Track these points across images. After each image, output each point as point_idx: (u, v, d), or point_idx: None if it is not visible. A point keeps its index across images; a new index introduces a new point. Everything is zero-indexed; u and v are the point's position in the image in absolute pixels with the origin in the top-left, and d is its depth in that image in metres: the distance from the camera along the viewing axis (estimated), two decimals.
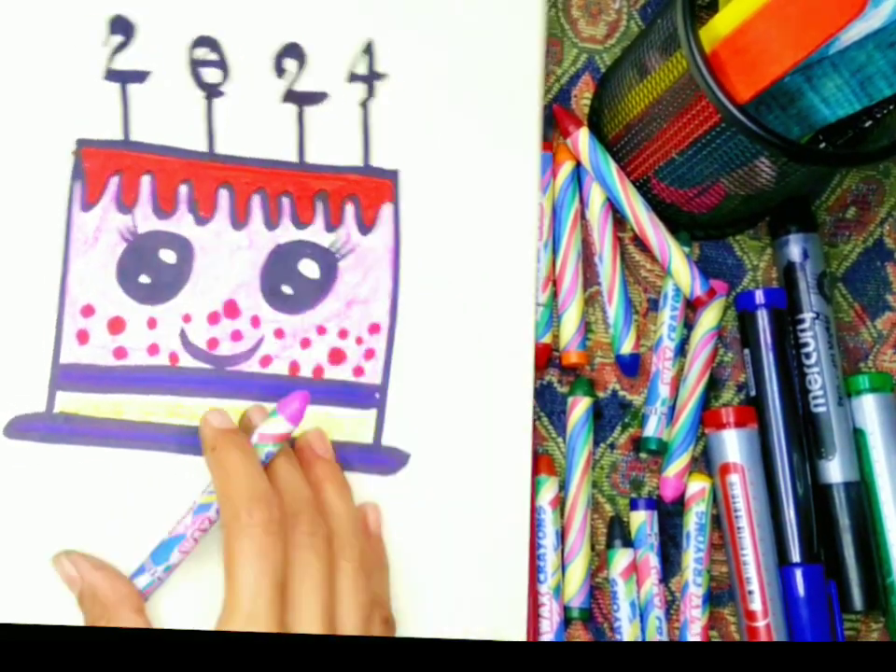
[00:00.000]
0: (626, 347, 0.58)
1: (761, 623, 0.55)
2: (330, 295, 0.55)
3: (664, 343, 0.58)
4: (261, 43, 0.56)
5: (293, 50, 0.56)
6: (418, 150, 0.56)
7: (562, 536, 0.56)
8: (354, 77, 0.56)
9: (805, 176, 0.53)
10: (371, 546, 0.52)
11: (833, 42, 0.50)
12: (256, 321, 0.55)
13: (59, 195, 0.54)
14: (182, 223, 0.55)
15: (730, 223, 0.60)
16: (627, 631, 0.56)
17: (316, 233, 0.55)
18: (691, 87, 0.50)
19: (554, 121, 0.59)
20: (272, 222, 0.55)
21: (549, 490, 0.56)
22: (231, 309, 0.54)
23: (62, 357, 0.53)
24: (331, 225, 0.55)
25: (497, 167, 0.57)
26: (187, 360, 0.54)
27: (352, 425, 0.54)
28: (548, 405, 0.58)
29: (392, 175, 0.56)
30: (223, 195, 0.55)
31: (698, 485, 0.57)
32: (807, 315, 0.58)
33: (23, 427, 0.53)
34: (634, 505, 0.57)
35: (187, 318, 0.54)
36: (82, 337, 0.53)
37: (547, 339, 0.57)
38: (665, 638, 0.56)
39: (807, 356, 0.58)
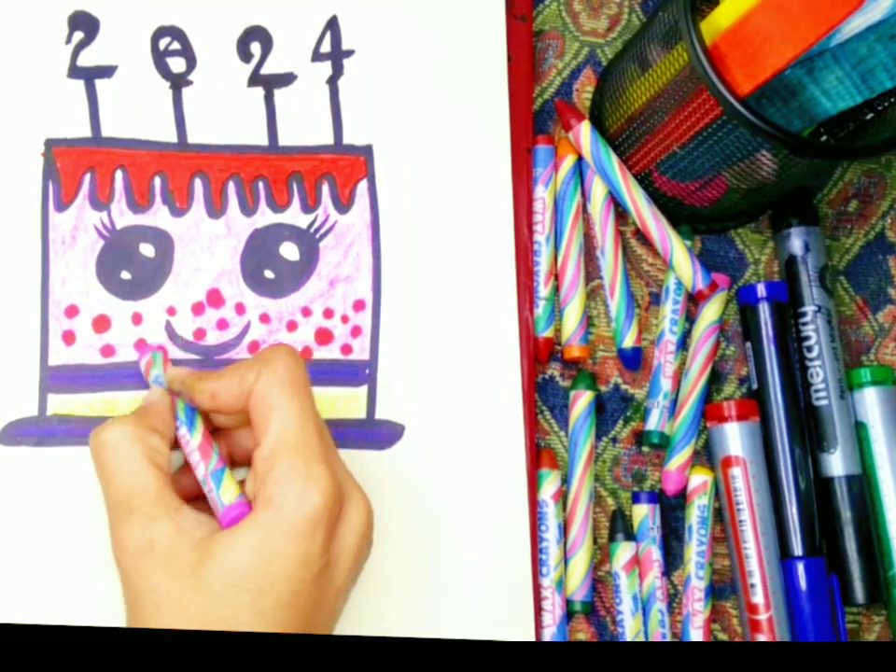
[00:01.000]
0: (628, 341, 0.58)
1: (763, 616, 0.55)
2: (313, 276, 0.55)
3: (665, 336, 0.58)
4: (225, 28, 0.56)
5: (257, 33, 0.56)
6: (390, 125, 0.56)
7: (564, 529, 0.56)
8: (320, 56, 0.56)
9: (806, 169, 0.53)
10: None
11: (833, 34, 0.50)
12: (240, 308, 0.55)
13: (32, 197, 0.54)
14: (159, 216, 0.55)
15: (731, 216, 0.60)
16: (630, 624, 0.56)
17: (294, 215, 0.55)
18: (692, 80, 0.50)
19: (556, 115, 0.59)
20: (248, 208, 0.55)
21: (551, 484, 0.56)
22: (215, 298, 0.54)
23: (49, 359, 0.53)
24: (308, 206, 0.55)
25: (468, 137, 0.57)
26: (175, 353, 0.54)
27: (344, 402, 0.54)
28: (550, 399, 0.58)
29: (365, 152, 0.56)
30: (198, 184, 0.55)
31: (700, 479, 0.57)
32: (809, 309, 0.58)
33: (18, 433, 0.52)
34: (636, 498, 0.57)
35: (171, 311, 0.54)
36: (68, 338, 0.53)
37: (549, 333, 0.57)
38: (667, 631, 0.56)
39: (809, 349, 0.58)
